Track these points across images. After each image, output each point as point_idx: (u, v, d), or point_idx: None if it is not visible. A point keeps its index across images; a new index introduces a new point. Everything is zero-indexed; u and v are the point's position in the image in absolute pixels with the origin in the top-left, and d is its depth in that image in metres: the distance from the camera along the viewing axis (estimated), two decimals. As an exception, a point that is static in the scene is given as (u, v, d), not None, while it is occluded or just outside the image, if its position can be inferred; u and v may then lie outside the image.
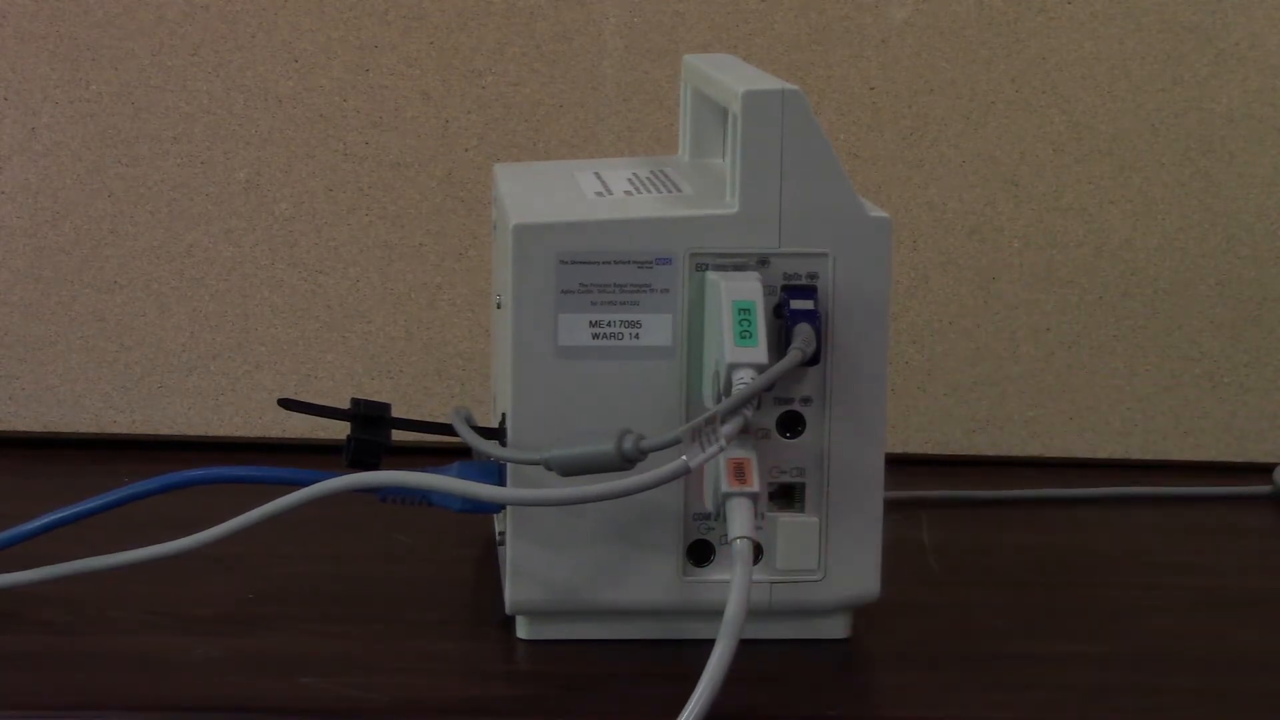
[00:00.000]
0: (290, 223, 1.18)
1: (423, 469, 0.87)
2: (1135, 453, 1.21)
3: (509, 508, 0.86)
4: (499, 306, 0.91)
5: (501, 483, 0.86)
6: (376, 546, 1.00)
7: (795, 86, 0.84)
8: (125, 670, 0.84)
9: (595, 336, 0.85)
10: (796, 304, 0.84)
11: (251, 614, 0.91)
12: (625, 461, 0.82)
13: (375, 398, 0.93)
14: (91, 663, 0.85)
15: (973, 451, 1.21)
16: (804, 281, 0.84)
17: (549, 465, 0.83)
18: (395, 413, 0.92)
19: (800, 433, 0.86)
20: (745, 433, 0.81)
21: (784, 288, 0.84)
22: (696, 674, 0.76)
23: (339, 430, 0.91)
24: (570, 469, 0.83)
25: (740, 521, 0.80)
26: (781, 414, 0.86)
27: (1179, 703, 0.84)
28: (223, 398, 1.19)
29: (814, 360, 0.85)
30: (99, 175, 1.17)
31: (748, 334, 0.82)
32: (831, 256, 0.85)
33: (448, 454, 0.95)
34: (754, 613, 0.81)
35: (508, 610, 0.87)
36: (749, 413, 0.81)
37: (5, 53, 1.16)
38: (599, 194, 0.89)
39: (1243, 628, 0.94)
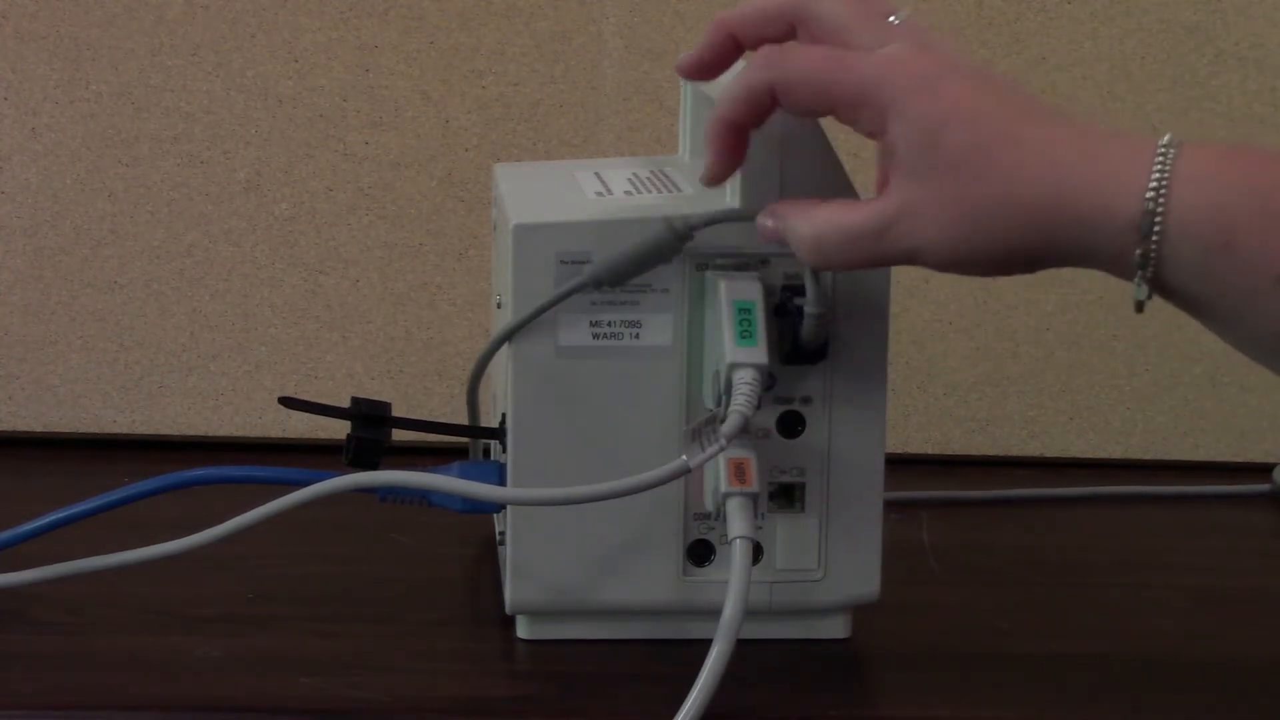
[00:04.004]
0: (290, 223, 1.18)
1: (423, 469, 0.87)
2: (1135, 453, 1.21)
3: (509, 508, 0.86)
4: (499, 306, 0.91)
5: (501, 483, 0.86)
6: (376, 546, 1.00)
7: (795, 86, 0.84)
8: (125, 670, 0.84)
9: (595, 336, 0.85)
10: (796, 303, 0.84)
11: (251, 614, 0.91)
12: (679, 241, 0.82)
13: (375, 398, 0.92)
14: (91, 663, 0.85)
15: (973, 451, 1.21)
16: (803, 281, 0.84)
17: (599, 280, 0.83)
18: (395, 412, 0.92)
19: (800, 433, 0.86)
20: (745, 433, 0.81)
21: (784, 288, 0.84)
22: (696, 674, 0.76)
23: (339, 430, 0.91)
24: (620, 273, 0.83)
25: (740, 521, 0.80)
26: (781, 414, 0.86)
27: (1178, 703, 0.84)
28: (223, 398, 1.19)
29: (814, 359, 0.85)
30: (99, 175, 1.17)
31: (748, 334, 0.82)
32: (831, 256, 0.85)
33: (448, 454, 0.95)
34: (754, 613, 0.81)
35: (508, 610, 0.87)
36: (749, 412, 0.81)
37: (5, 53, 1.16)
38: (599, 194, 0.89)
39: (1243, 628, 0.94)
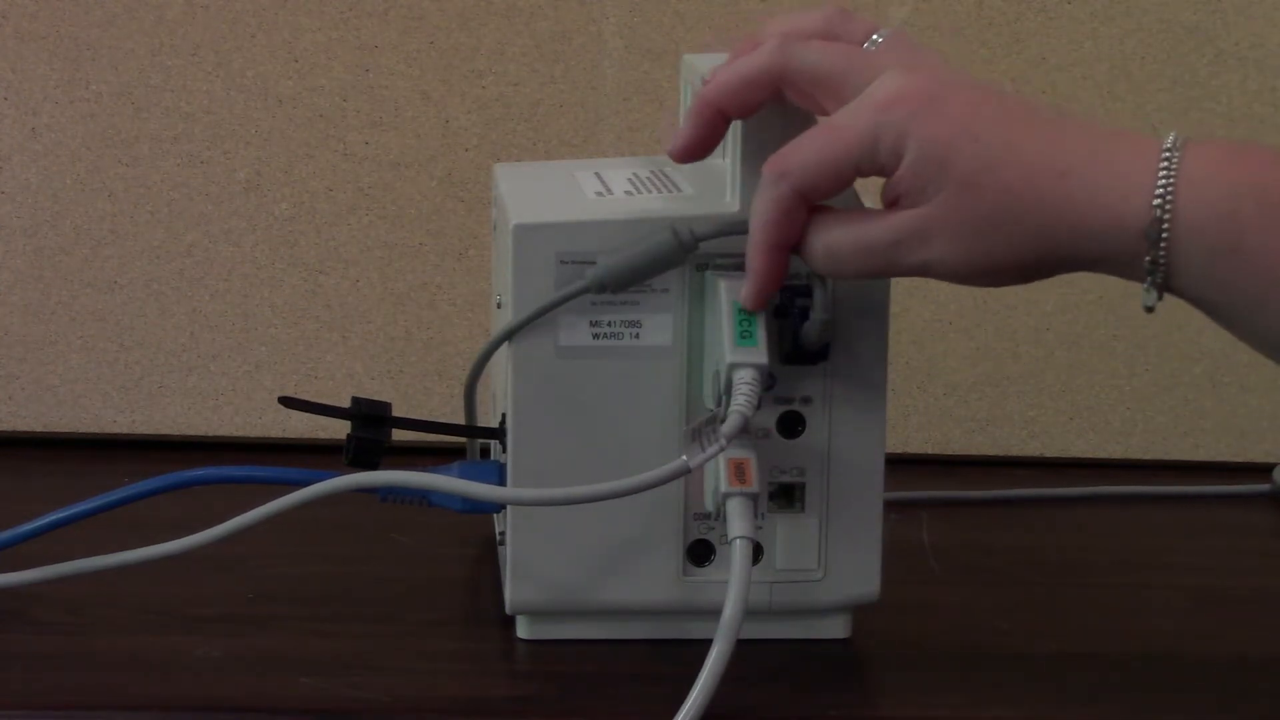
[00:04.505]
0: (290, 223, 1.18)
1: (423, 469, 0.87)
2: (1135, 453, 1.21)
3: (509, 508, 0.86)
4: (499, 306, 0.91)
5: (501, 483, 0.86)
6: (376, 546, 1.00)
7: (795, 86, 0.84)
8: (125, 670, 0.84)
9: (595, 336, 0.85)
10: (798, 303, 0.84)
11: (251, 614, 0.91)
12: (684, 250, 0.82)
13: (375, 398, 0.92)
14: (91, 663, 0.85)
15: (973, 451, 1.21)
16: (804, 281, 0.84)
17: (602, 285, 0.83)
18: (395, 412, 0.92)
19: (800, 433, 0.86)
20: (745, 433, 0.81)
21: (785, 288, 0.84)
22: (696, 674, 0.76)
23: (339, 430, 0.91)
24: (624, 279, 0.83)
25: (740, 521, 0.80)
26: (781, 414, 0.86)
27: (1178, 703, 0.84)
28: (223, 398, 1.19)
29: (815, 359, 0.85)
30: (99, 175, 1.17)
31: (748, 334, 0.82)
32: (831, 256, 0.85)
33: (448, 454, 0.95)
34: (754, 613, 0.81)
35: (508, 610, 0.87)
36: (749, 412, 0.81)
37: (5, 53, 1.16)
38: (599, 194, 0.89)
39: (1242, 628, 0.94)
